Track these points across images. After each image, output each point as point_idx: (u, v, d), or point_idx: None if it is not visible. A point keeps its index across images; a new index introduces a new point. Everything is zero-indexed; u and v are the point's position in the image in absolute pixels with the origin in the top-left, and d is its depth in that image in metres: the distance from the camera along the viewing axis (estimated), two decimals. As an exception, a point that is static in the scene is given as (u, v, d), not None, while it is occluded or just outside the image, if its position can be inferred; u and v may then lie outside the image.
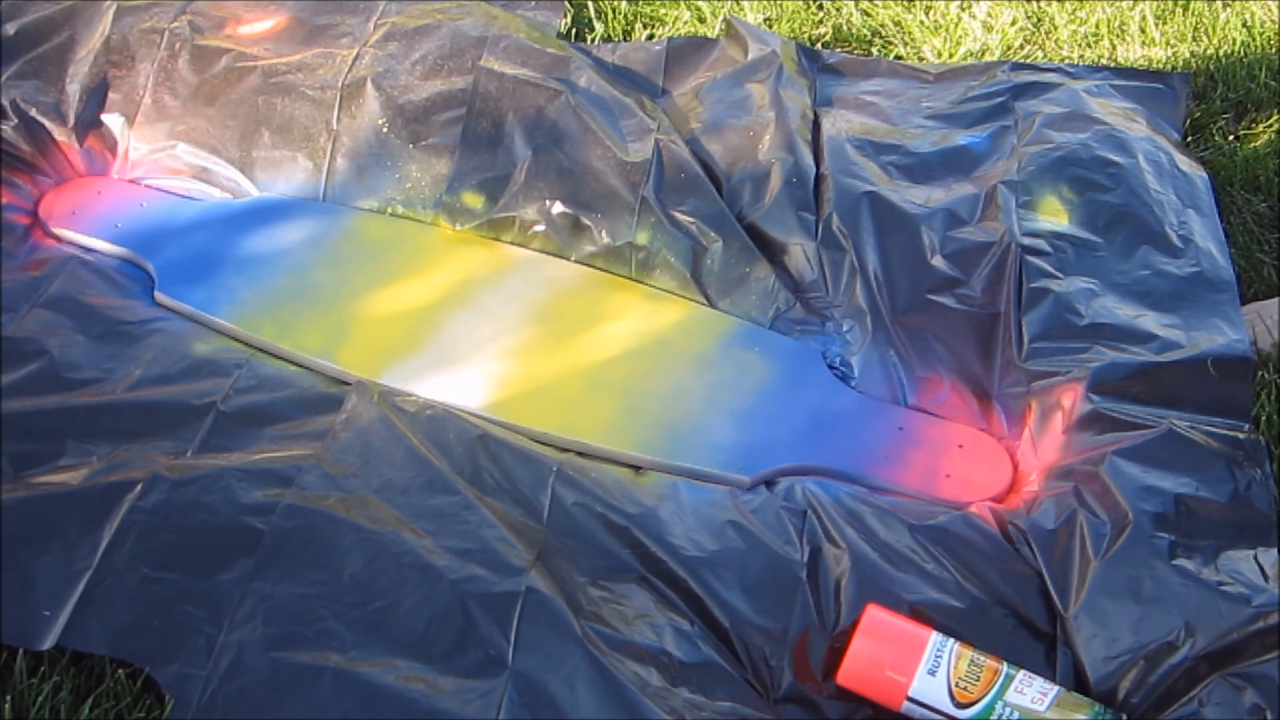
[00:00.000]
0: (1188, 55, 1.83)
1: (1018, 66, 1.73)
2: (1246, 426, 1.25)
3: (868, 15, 1.92)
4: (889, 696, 1.08)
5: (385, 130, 1.56)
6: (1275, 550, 1.13)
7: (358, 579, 1.07)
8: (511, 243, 1.53)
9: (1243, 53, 1.82)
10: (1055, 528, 1.18)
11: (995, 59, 1.82)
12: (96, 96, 1.60)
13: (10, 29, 1.62)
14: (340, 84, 1.58)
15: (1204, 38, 1.87)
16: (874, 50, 1.88)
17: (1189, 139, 1.68)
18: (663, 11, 1.93)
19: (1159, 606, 1.09)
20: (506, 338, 1.41)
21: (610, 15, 1.91)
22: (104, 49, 1.62)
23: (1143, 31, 1.89)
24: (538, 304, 1.46)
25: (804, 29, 1.90)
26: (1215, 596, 1.08)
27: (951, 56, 1.85)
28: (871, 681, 1.09)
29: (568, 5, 1.89)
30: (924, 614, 1.13)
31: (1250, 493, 1.17)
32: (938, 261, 1.43)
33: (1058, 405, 1.29)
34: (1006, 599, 1.15)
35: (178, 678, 1.00)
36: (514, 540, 1.13)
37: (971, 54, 1.84)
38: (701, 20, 1.91)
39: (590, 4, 1.93)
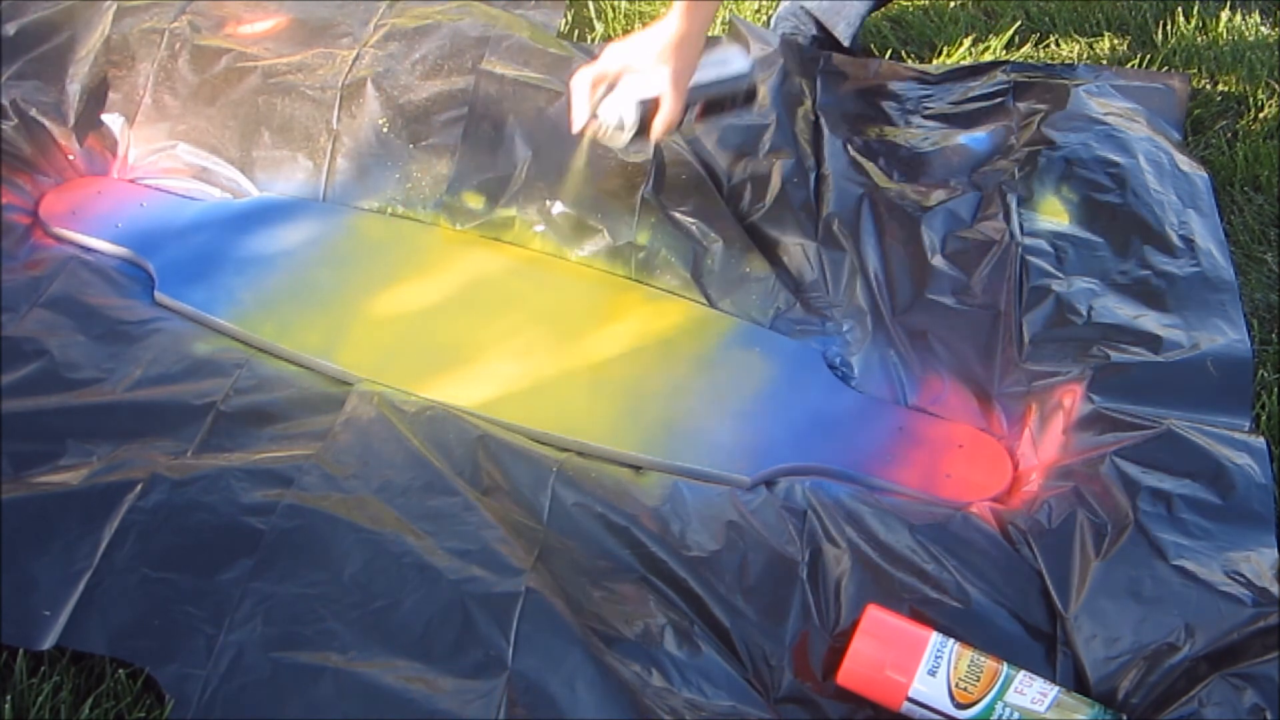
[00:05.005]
0: (1188, 55, 1.83)
1: (1018, 67, 1.73)
2: (1246, 426, 1.25)
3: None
4: (889, 697, 1.08)
5: (385, 130, 1.56)
6: (1275, 550, 1.13)
7: (357, 579, 1.06)
8: (512, 243, 1.53)
9: (1243, 53, 1.82)
10: (1055, 528, 1.18)
11: (995, 59, 1.82)
12: (96, 96, 1.60)
13: (10, 29, 1.61)
14: (340, 84, 1.58)
15: (1204, 37, 1.87)
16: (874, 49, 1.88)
17: (1189, 139, 1.68)
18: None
19: (1159, 606, 1.09)
20: (507, 338, 1.41)
21: (610, 15, 1.91)
22: (104, 49, 1.62)
23: (1143, 31, 1.89)
24: (538, 304, 1.46)
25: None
26: (1215, 596, 1.08)
27: (950, 57, 1.85)
28: (871, 682, 1.09)
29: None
30: (924, 614, 1.13)
31: (1250, 493, 1.17)
32: (938, 261, 1.43)
33: (1058, 405, 1.29)
34: (1006, 599, 1.15)
35: (178, 678, 1.00)
36: (514, 540, 1.12)
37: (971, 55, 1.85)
38: (701, 20, 1.91)
39: (590, 4, 1.92)
